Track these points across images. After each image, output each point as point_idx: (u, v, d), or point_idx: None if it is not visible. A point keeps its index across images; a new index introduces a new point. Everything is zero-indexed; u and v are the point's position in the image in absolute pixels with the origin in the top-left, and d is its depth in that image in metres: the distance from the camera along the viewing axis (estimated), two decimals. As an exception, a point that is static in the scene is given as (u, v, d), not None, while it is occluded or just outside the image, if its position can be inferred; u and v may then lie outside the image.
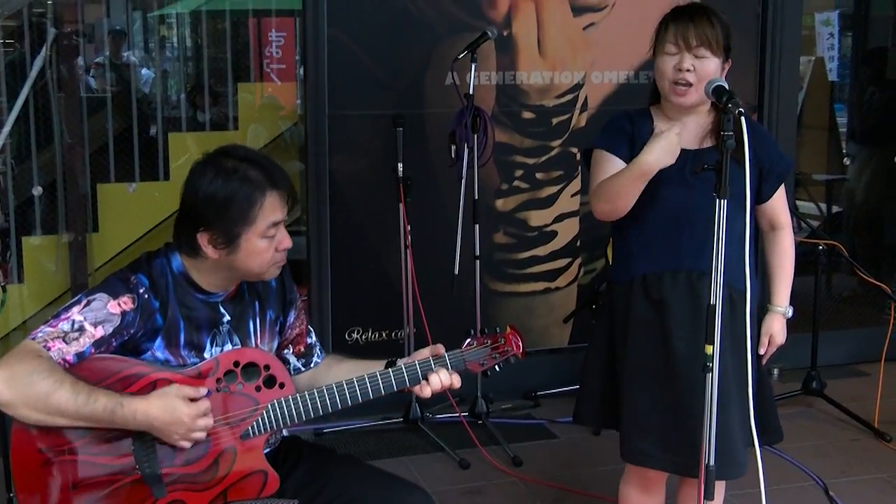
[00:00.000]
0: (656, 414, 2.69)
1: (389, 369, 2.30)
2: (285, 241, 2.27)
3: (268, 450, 2.32)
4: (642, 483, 2.87)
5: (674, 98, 2.64)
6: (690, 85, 2.59)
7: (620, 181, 2.62)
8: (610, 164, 2.70)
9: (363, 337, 4.54)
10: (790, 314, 2.84)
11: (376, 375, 2.29)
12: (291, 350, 2.49)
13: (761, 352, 2.80)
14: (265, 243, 2.23)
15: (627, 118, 2.75)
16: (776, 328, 2.82)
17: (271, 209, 2.22)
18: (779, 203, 2.82)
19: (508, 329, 2.38)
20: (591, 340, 2.92)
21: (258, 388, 2.24)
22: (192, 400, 2.15)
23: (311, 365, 2.51)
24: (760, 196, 2.77)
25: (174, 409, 2.11)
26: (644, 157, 2.55)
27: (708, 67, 2.60)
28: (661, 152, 2.52)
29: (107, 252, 4.51)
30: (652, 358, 2.69)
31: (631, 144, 2.70)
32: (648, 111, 2.77)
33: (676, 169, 2.62)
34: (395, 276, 4.30)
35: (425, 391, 2.30)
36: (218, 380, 2.21)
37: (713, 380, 2.31)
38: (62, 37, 4.43)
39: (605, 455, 2.88)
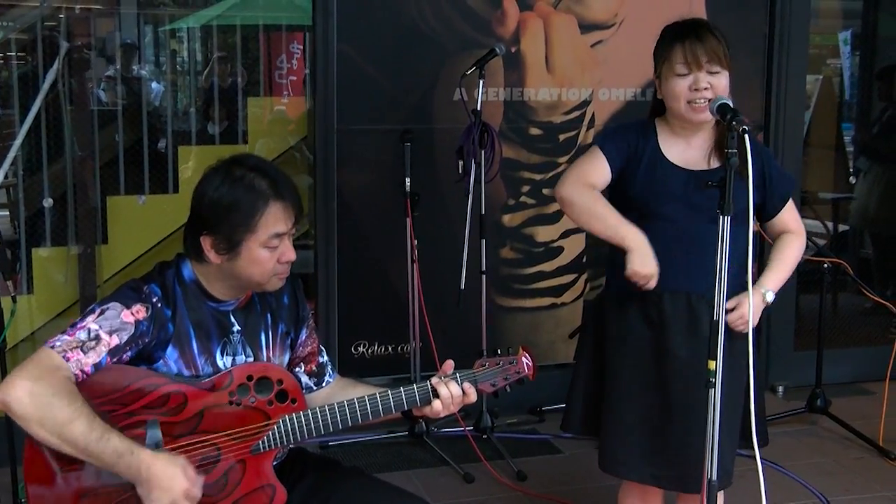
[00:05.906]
0: (641, 428, 2.70)
1: (401, 387, 2.31)
2: (288, 253, 2.27)
3: (275, 462, 2.32)
4: (640, 496, 2.89)
5: (692, 116, 2.62)
6: (708, 101, 2.57)
7: (598, 217, 2.66)
8: (599, 166, 2.72)
9: (369, 351, 4.56)
10: (770, 300, 2.67)
11: (387, 393, 2.30)
12: (303, 368, 2.49)
13: (729, 307, 2.51)
14: (266, 253, 2.24)
15: (636, 132, 2.75)
16: (751, 301, 2.51)
17: (274, 220, 2.23)
18: (787, 215, 2.80)
19: (520, 350, 2.39)
20: (579, 349, 2.93)
21: (270, 403, 2.25)
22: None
23: (323, 384, 2.52)
24: (766, 213, 2.78)
25: (174, 476, 2.07)
26: (628, 233, 2.59)
27: (721, 82, 2.60)
28: (636, 257, 2.56)
29: (116, 264, 4.53)
30: (644, 373, 2.70)
31: (630, 158, 2.70)
32: (653, 125, 2.76)
33: (681, 189, 2.64)
34: (402, 291, 4.32)
35: (437, 407, 2.30)
36: (231, 393, 2.22)
37: (715, 395, 2.32)
38: (74, 50, 4.46)
39: (610, 471, 2.88)
